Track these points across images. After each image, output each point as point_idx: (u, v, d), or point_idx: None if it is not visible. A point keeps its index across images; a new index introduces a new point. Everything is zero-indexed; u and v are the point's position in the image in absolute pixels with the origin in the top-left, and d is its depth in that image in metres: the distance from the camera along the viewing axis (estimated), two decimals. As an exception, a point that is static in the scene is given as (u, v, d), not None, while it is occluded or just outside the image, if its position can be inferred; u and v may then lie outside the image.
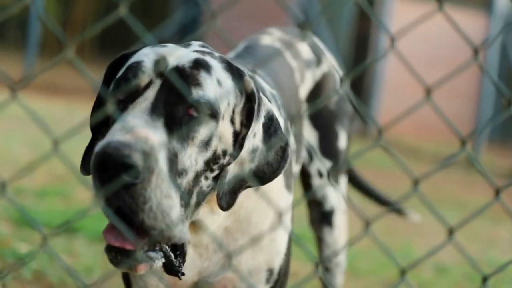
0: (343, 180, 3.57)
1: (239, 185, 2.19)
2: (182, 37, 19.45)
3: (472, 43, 1.70)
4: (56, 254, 1.82)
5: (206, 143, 2.08)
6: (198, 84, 2.07)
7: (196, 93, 2.06)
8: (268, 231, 2.40)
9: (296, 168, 3.07)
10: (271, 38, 3.27)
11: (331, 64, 3.47)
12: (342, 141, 3.43)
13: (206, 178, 2.13)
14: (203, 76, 2.09)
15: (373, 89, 15.63)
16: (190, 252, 2.36)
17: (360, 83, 14.69)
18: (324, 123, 3.37)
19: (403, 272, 1.86)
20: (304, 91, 3.24)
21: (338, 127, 3.42)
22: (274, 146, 2.24)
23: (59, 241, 4.79)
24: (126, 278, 2.53)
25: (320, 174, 3.39)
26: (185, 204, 2.05)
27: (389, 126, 1.57)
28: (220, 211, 2.24)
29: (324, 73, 3.40)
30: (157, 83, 2.06)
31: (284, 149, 2.27)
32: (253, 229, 2.40)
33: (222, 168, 2.16)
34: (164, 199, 1.93)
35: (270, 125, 2.25)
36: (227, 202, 2.15)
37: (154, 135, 1.95)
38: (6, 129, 8.75)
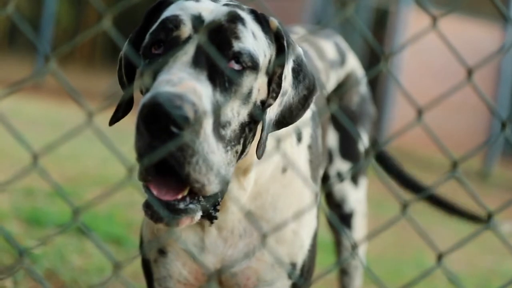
0: (363, 182, 3.51)
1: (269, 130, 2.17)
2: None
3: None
4: (88, 229, 1.76)
5: (248, 95, 2.07)
6: (237, 37, 2.06)
7: (237, 45, 2.04)
8: (291, 218, 2.36)
9: (321, 172, 3.03)
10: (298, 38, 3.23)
11: (354, 63, 3.43)
12: (363, 143, 3.39)
13: (250, 129, 2.12)
14: (240, 29, 2.08)
15: (386, 100, 15.59)
16: (214, 236, 2.33)
17: (373, 93, 14.66)
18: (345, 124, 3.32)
19: (440, 257, 1.80)
20: (326, 92, 3.19)
21: (359, 128, 3.38)
22: (301, 93, 2.23)
23: (71, 241, 4.76)
24: (147, 268, 2.48)
25: (339, 176, 3.35)
26: (229, 154, 2.02)
27: (429, 107, 1.52)
28: (246, 185, 2.26)
29: (347, 73, 3.36)
30: (196, 37, 2.03)
31: (306, 98, 2.25)
32: (278, 219, 2.36)
33: (260, 118, 2.14)
34: (209, 153, 1.91)
35: (300, 70, 2.23)
36: (263, 151, 2.13)
37: (201, 87, 1.91)
38: (18, 129, 8.73)
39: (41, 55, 15.25)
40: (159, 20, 2.10)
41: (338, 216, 3.44)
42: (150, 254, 2.45)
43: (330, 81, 3.23)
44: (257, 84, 2.09)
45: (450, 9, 1.56)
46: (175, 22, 2.05)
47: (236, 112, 2.03)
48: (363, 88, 3.50)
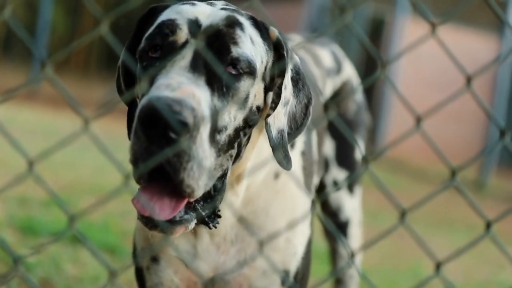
0: (359, 190, 3.49)
1: (285, 139, 2.16)
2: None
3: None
4: (83, 236, 1.74)
5: (244, 100, 2.06)
6: (235, 42, 2.04)
7: (235, 50, 2.03)
8: (285, 226, 2.35)
9: (315, 180, 3.01)
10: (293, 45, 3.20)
11: (350, 71, 3.42)
12: (359, 151, 3.37)
13: (245, 134, 2.11)
14: (238, 33, 2.06)
15: (382, 109, 15.60)
16: (207, 243, 2.32)
17: (369, 103, 14.68)
18: (342, 132, 3.29)
19: (438, 266, 1.79)
20: (323, 99, 3.17)
21: (356, 136, 3.37)
22: (302, 101, 2.23)
23: (65, 250, 4.73)
24: (140, 275, 2.46)
25: (336, 185, 3.33)
26: (220, 159, 2.01)
27: (428, 115, 1.51)
28: (239, 191, 2.26)
29: (344, 81, 3.35)
30: (193, 42, 2.01)
31: (307, 106, 2.25)
32: (270, 225, 2.35)
33: (255, 123, 2.14)
34: (203, 158, 1.89)
35: (298, 79, 2.23)
36: (287, 160, 2.13)
37: (200, 92, 1.90)
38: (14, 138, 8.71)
39: (36, 62, 15.24)
40: (155, 24, 2.09)
41: (333, 224, 3.42)
42: (143, 261, 2.43)
43: (326, 88, 3.21)
44: (254, 90, 2.08)
45: (448, 16, 1.56)
46: (171, 27, 2.04)
47: (233, 117, 2.03)
48: (359, 96, 3.49)
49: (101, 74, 21.84)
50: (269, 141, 2.11)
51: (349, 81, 3.39)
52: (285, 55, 2.15)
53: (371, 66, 15.85)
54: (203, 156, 1.88)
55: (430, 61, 15.65)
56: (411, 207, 1.62)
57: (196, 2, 2.15)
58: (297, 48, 3.15)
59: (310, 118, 2.26)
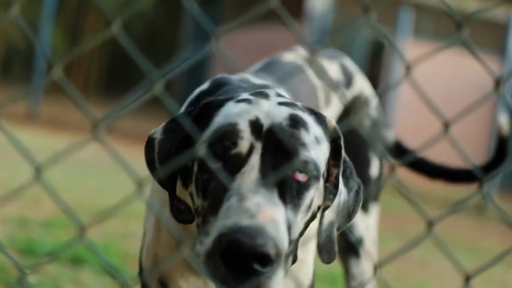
0: (375, 208, 3.36)
1: (333, 232, 2.07)
2: (190, 74, 19.48)
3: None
4: (92, 246, 1.67)
5: (309, 206, 1.94)
6: (302, 144, 1.91)
7: (303, 154, 1.89)
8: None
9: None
10: (294, 55, 3.11)
11: (363, 85, 3.31)
12: (374, 168, 3.25)
13: (301, 233, 1.98)
14: (303, 135, 1.93)
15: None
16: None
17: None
18: (356, 149, 3.18)
19: (467, 279, 1.72)
20: (331, 113, 3.06)
21: (370, 153, 3.24)
22: (353, 188, 2.13)
23: (65, 271, 4.68)
24: None
25: None
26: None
27: (456, 120, 1.45)
28: None
29: (355, 96, 3.24)
30: (259, 147, 1.88)
31: (357, 192, 2.15)
32: None
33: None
34: (278, 286, 1.81)
35: (346, 167, 2.12)
36: (329, 255, 2.05)
37: (278, 215, 1.80)
38: (12, 160, 8.69)
39: (36, 84, 15.22)
40: (212, 127, 1.96)
41: (345, 243, 3.32)
42: (151, 285, 2.34)
43: (332, 101, 3.10)
44: (317, 192, 1.97)
45: (476, 14, 1.50)
46: (232, 138, 1.89)
47: (299, 227, 1.92)
48: (373, 111, 3.34)
49: (100, 96, 21.82)
50: (318, 235, 2.01)
51: (361, 95, 3.26)
52: (341, 145, 2.05)
53: (374, 84, 15.82)
54: (278, 284, 1.80)
55: (430, 83, 15.62)
56: (438, 218, 1.56)
57: (249, 97, 2.01)
58: (300, 60, 3.06)
59: (360, 203, 2.16)
